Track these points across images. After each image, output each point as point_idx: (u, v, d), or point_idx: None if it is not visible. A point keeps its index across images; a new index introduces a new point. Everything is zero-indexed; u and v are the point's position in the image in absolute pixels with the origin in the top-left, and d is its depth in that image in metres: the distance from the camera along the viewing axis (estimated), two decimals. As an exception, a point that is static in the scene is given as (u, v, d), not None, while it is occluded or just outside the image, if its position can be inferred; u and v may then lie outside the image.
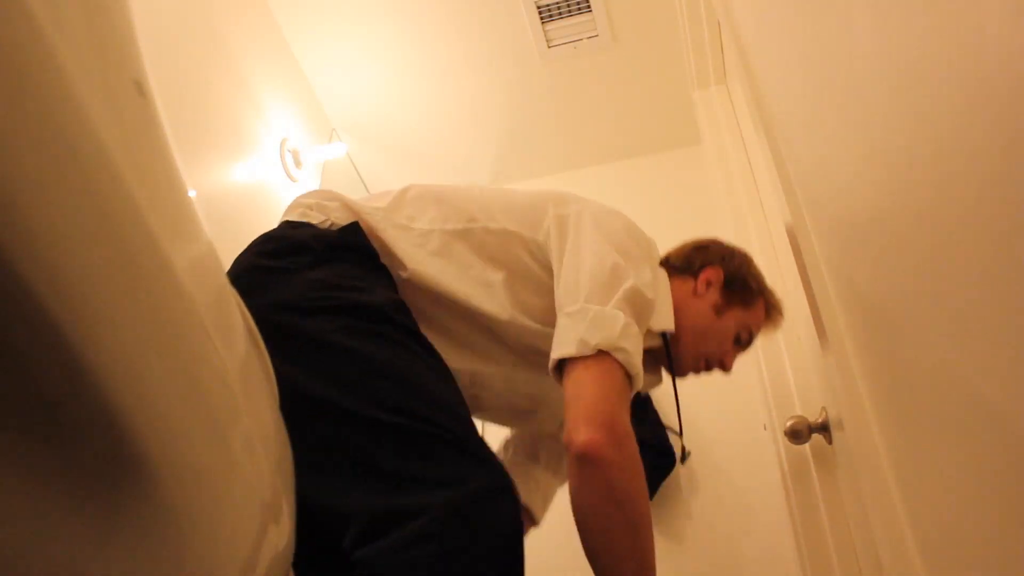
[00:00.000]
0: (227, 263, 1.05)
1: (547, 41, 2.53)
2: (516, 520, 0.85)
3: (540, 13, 2.48)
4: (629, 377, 0.94)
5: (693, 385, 2.16)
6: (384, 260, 1.06)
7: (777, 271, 1.81)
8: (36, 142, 0.30)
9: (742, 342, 1.25)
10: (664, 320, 1.11)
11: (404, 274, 1.05)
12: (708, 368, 1.25)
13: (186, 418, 0.40)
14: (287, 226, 1.12)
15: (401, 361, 0.91)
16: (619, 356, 0.92)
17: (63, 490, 0.33)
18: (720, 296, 1.20)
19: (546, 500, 1.33)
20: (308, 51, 2.59)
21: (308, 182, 2.53)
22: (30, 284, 0.29)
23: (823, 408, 1.41)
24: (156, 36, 1.84)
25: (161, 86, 0.45)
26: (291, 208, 1.17)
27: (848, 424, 0.82)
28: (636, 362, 0.94)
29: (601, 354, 0.92)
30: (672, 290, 1.17)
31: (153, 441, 0.36)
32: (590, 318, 0.93)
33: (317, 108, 2.70)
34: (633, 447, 0.93)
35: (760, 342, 1.74)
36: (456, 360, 1.02)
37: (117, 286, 0.35)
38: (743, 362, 2.06)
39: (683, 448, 1.71)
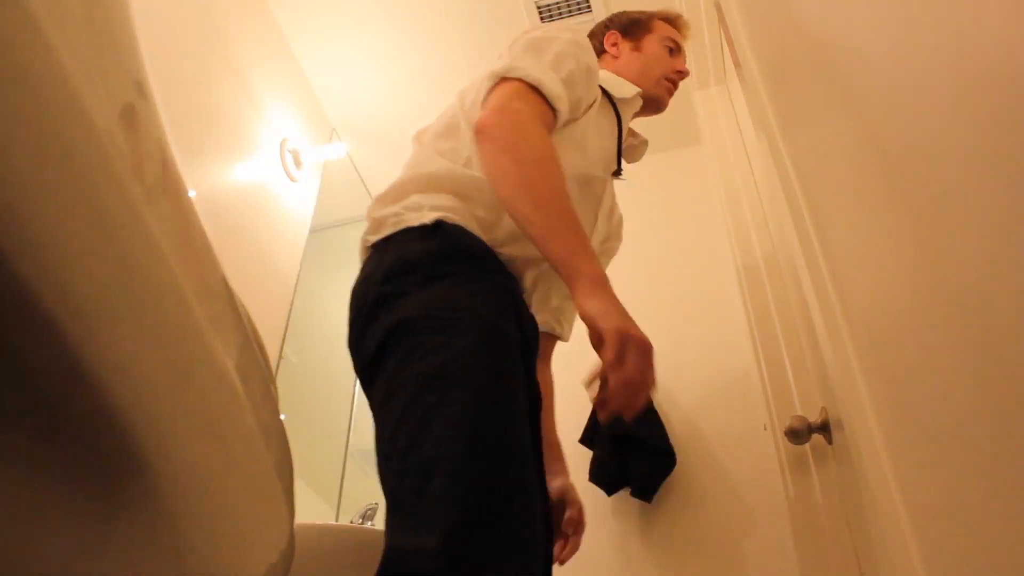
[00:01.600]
0: (227, 262, 1.05)
1: (547, 41, 2.53)
2: None
3: (540, 13, 2.48)
4: (545, 99, 1.16)
5: (693, 385, 2.17)
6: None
7: (777, 271, 1.81)
8: (36, 144, 0.30)
9: (675, 51, 1.55)
10: (622, 88, 1.42)
11: None
12: (673, 84, 1.53)
13: (186, 418, 0.40)
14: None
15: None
16: (515, 74, 1.15)
17: (63, 490, 0.33)
18: (628, 41, 1.53)
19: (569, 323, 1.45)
20: (308, 51, 2.59)
21: (308, 182, 2.53)
22: (31, 284, 0.29)
23: (823, 408, 1.41)
24: (156, 36, 1.84)
25: (161, 86, 0.45)
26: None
27: (848, 424, 0.82)
28: (536, 75, 1.15)
29: (503, 80, 1.16)
30: (606, 69, 1.47)
31: (153, 441, 0.36)
32: (498, 64, 1.18)
33: (317, 108, 2.70)
34: (521, 118, 1.11)
35: (760, 342, 1.74)
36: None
37: (116, 286, 0.35)
38: (743, 362, 2.07)
39: None
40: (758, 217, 1.97)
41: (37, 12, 0.31)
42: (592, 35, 1.57)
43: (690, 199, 2.56)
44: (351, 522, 2.02)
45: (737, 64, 1.28)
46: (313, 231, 2.49)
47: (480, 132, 1.10)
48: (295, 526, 0.57)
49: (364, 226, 1.21)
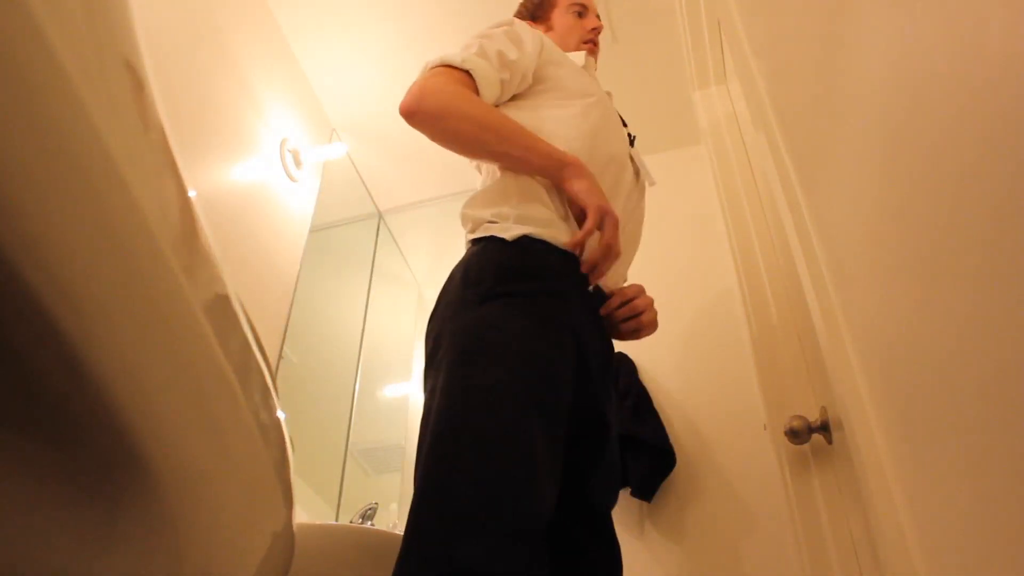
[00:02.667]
0: (227, 262, 1.05)
1: (547, 41, 2.53)
2: None
3: (540, 13, 2.47)
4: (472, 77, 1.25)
5: (693, 385, 2.17)
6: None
7: (777, 271, 1.81)
8: (36, 142, 0.30)
9: (583, 13, 1.62)
10: (578, 59, 1.49)
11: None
12: (593, 43, 1.61)
13: (186, 418, 0.40)
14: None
15: None
16: (439, 62, 1.24)
17: (64, 490, 0.33)
18: (539, 24, 1.61)
19: None
20: (308, 51, 2.59)
21: (308, 182, 2.53)
22: (31, 284, 0.29)
23: (823, 408, 1.41)
24: (157, 36, 1.84)
25: (162, 86, 0.45)
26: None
27: (848, 424, 0.82)
28: (449, 55, 1.25)
29: (433, 69, 1.25)
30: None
31: (153, 441, 0.36)
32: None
33: (317, 108, 2.70)
34: (435, 84, 1.20)
35: (760, 342, 1.74)
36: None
37: (117, 286, 0.35)
38: (743, 362, 2.07)
39: None
40: (758, 217, 1.97)
41: (37, 12, 0.31)
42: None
43: (690, 199, 2.56)
44: (351, 522, 2.02)
45: (736, 63, 1.28)
46: (313, 231, 2.49)
47: (409, 116, 1.18)
48: (295, 526, 0.57)
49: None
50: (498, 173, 1.24)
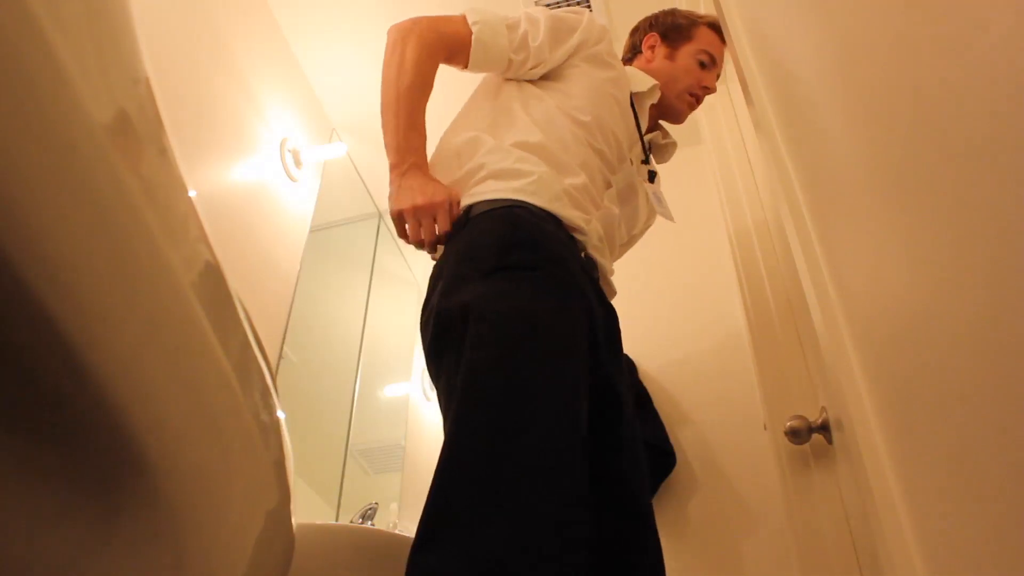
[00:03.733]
0: (227, 262, 1.05)
1: (547, 41, 2.53)
2: None
3: (540, 13, 2.47)
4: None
5: (693, 385, 2.17)
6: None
7: (777, 271, 1.81)
8: (36, 142, 0.30)
9: (707, 65, 1.55)
10: (639, 82, 1.48)
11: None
12: (696, 99, 1.56)
13: (186, 417, 0.40)
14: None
15: None
16: (466, 11, 1.33)
17: (64, 490, 0.33)
18: (665, 47, 1.56)
19: None
20: (308, 51, 2.58)
21: (308, 182, 2.53)
22: (31, 284, 0.29)
23: (823, 408, 1.41)
24: (157, 36, 1.84)
25: (161, 86, 0.45)
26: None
27: (848, 424, 0.82)
28: (482, 20, 1.32)
29: (454, 15, 1.35)
30: (637, 67, 1.55)
31: (153, 441, 0.36)
32: None
33: (317, 108, 2.70)
34: (412, 30, 1.31)
35: (760, 342, 1.74)
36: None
37: (117, 285, 0.35)
38: (743, 362, 2.07)
39: None
40: (758, 217, 1.97)
41: (37, 12, 0.31)
42: (635, 30, 1.64)
43: (690, 199, 2.56)
44: (351, 522, 2.02)
45: (737, 67, 1.28)
46: (313, 231, 2.49)
47: (389, 32, 1.32)
48: (295, 526, 0.57)
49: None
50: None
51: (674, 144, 1.64)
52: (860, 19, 0.64)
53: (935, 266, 0.54)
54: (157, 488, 0.36)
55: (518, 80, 1.39)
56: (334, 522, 2.10)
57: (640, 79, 1.49)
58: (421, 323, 1.12)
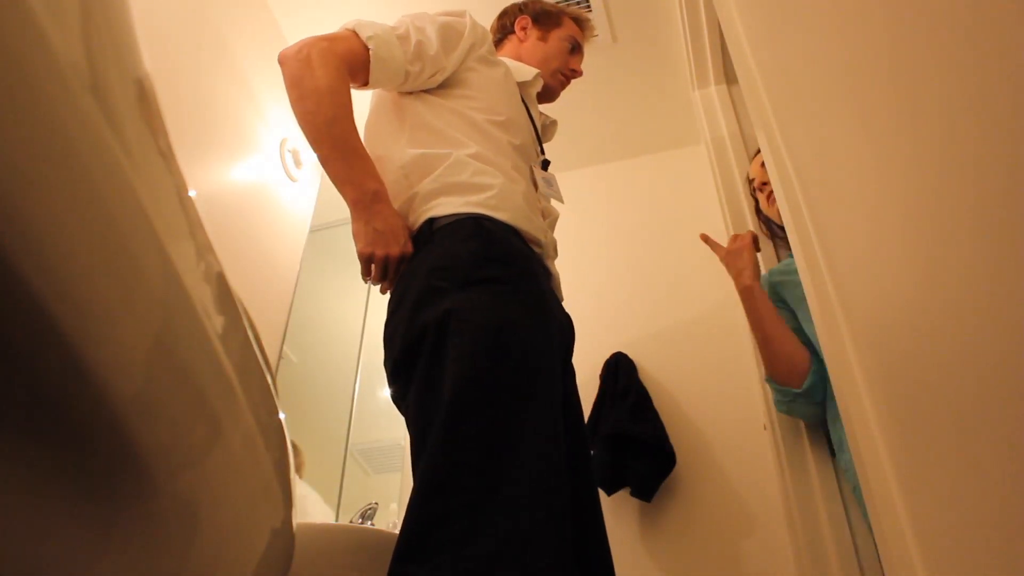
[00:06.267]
0: (227, 262, 1.05)
1: (547, 41, 2.53)
2: None
3: (540, 13, 2.47)
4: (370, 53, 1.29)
5: (693, 386, 2.17)
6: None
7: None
8: (35, 141, 0.30)
9: (575, 50, 1.67)
10: (522, 72, 1.52)
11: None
12: (566, 78, 1.66)
13: (187, 418, 0.40)
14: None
15: None
16: (352, 26, 1.32)
17: (64, 490, 0.33)
18: (537, 29, 1.66)
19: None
20: (308, 51, 2.58)
21: (308, 182, 2.53)
22: (31, 283, 0.29)
23: (823, 408, 1.41)
24: (156, 35, 1.84)
25: (161, 86, 0.45)
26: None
27: (848, 424, 0.82)
28: (375, 35, 1.31)
29: (343, 30, 1.33)
30: (508, 52, 1.65)
31: (154, 441, 0.36)
32: None
33: (317, 108, 2.69)
34: (313, 52, 1.25)
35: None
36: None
37: (117, 285, 0.35)
38: (743, 362, 2.07)
39: None
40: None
41: (37, 12, 0.31)
42: (504, 13, 1.73)
43: (690, 199, 2.56)
44: (351, 522, 2.02)
45: (737, 67, 1.28)
46: (313, 231, 2.49)
47: (280, 61, 1.26)
48: (295, 526, 0.57)
49: None
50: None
51: (555, 123, 1.66)
52: (860, 19, 0.64)
53: (935, 266, 0.54)
54: (157, 488, 0.36)
55: (413, 92, 1.36)
56: (334, 522, 2.10)
57: (523, 70, 1.54)
58: (385, 336, 1.11)
